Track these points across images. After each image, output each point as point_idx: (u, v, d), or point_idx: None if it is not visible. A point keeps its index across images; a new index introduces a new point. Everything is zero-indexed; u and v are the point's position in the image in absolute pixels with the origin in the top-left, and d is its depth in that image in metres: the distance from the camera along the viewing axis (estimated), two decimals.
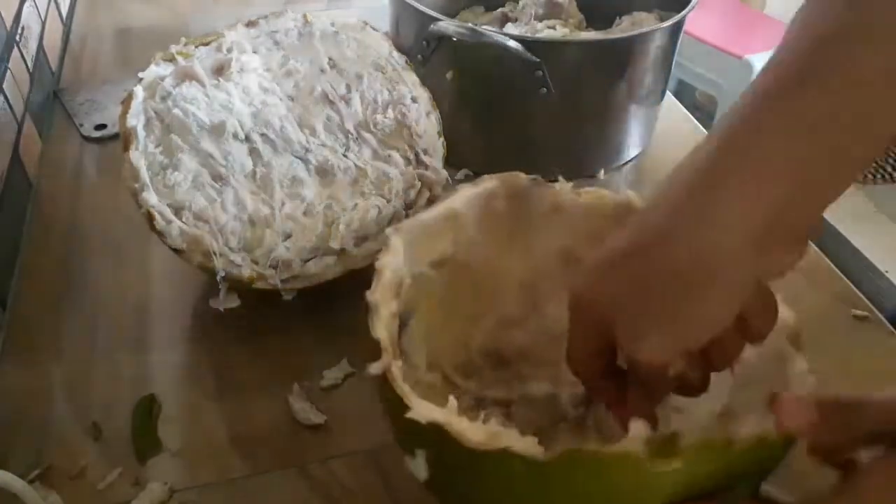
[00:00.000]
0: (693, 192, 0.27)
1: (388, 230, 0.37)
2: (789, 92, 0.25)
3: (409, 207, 0.48)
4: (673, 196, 0.28)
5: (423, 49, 0.56)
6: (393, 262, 0.36)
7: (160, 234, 0.43)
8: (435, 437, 0.28)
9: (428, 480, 0.30)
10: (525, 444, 0.26)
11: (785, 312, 0.33)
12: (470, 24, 0.53)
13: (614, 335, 0.29)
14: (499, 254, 0.41)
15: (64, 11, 0.78)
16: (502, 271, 0.41)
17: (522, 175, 0.40)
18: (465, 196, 0.39)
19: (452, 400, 0.29)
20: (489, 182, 0.40)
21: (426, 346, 0.38)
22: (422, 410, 0.28)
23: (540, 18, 0.66)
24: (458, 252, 0.40)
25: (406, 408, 0.28)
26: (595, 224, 0.39)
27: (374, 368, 0.30)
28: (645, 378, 0.30)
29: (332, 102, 0.50)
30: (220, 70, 0.48)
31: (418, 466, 0.30)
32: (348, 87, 0.51)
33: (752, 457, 0.28)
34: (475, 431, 0.27)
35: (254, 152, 0.47)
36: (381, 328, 0.32)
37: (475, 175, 0.61)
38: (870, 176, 1.85)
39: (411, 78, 0.53)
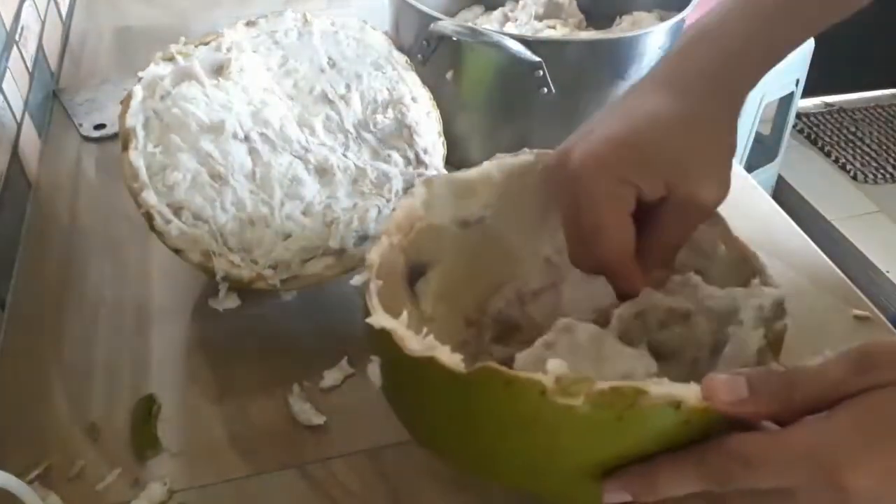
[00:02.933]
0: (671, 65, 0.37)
1: (417, 179, 0.40)
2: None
3: None
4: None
5: (423, 48, 0.56)
6: (409, 203, 0.38)
7: (159, 233, 0.42)
8: (386, 344, 0.31)
9: (382, 386, 0.34)
10: (450, 358, 0.29)
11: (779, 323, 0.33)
12: (470, 24, 0.53)
13: (653, 188, 0.34)
14: (530, 228, 0.42)
15: (63, 11, 0.77)
16: (531, 245, 0.42)
17: None
18: (502, 164, 0.41)
19: (404, 314, 0.32)
20: (527, 155, 0.41)
21: (441, 296, 0.40)
22: (378, 319, 0.31)
23: (540, 18, 0.66)
24: (489, 217, 0.41)
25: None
26: None
27: (355, 280, 0.34)
28: (695, 221, 0.36)
29: (331, 102, 0.50)
30: (219, 70, 0.48)
31: (374, 372, 0.33)
32: (348, 87, 0.51)
33: (688, 429, 0.28)
34: (414, 341, 0.30)
35: (253, 152, 0.47)
36: (375, 252, 0.35)
37: None
38: (870, 176, 1.85)
39: (411, 77, 0.53)
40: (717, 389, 0.27)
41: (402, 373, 0.32)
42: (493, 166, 0.41)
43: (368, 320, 0.32)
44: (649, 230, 0.36)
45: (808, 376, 0.27)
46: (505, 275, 0.43)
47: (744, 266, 0.37)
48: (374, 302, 0.32)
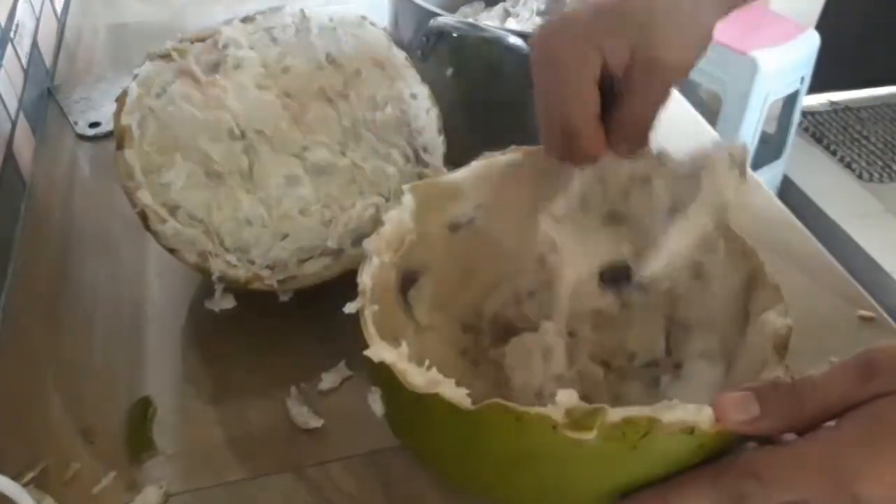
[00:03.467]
0: None
1: (405, 186, 0.38)
2: None
3: None
4: None
5: (422, 44, 0.55)
6: (397, 217, 0.37)
7: (155, 233, 0.42)
8: (386, 376, 0.30)
9: (385, 415, 0.33)
10: (454, 393, 0.28)
11: (778, 321, 0.33)
12: (470, 20, 0.53)
13: (617, 51, 0.34)
14: (521, 226, 0.41)
15: (58, 8, 0.77)
16: (523, 243, 0.42)
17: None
18: (489, 163, 0.40)
19: (404, 346, 0.30)
20: (515, 153, 0.41)
21: (436, 304, 0.39)
22: (376, 351, 0.30)
23: (541, 14, 0.65)
24: (479, 218, 0.41)
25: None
26: None
27: (349, 308, 0.33)
28: (659, 86, 0.35)
29: (329, 99, 0.49)
30: (215, 67, 0.48)
31: (375, 402, 0.33)
32: (346, 84, 0.50)
33: (701, 452, 0.28)
34: (416, 375, 0.29)
35: (250, 150, 0.46)
36: (366, 274, 0.34)
37: None
38: (876, 175, 1.84)
39: (410, 74, 0.52)
40: (729, 410, 0.27)
41: (405, 405, 0.31)
42: (481, 166, 0.40)
43: (366, 353, 0.30)
44: (617, 104, 0.36)
45: (816, 387, 0.27)
46: (498, 275, 0.42)
47: (743, 261, 0.37)
48: (370, 331, 0.31)
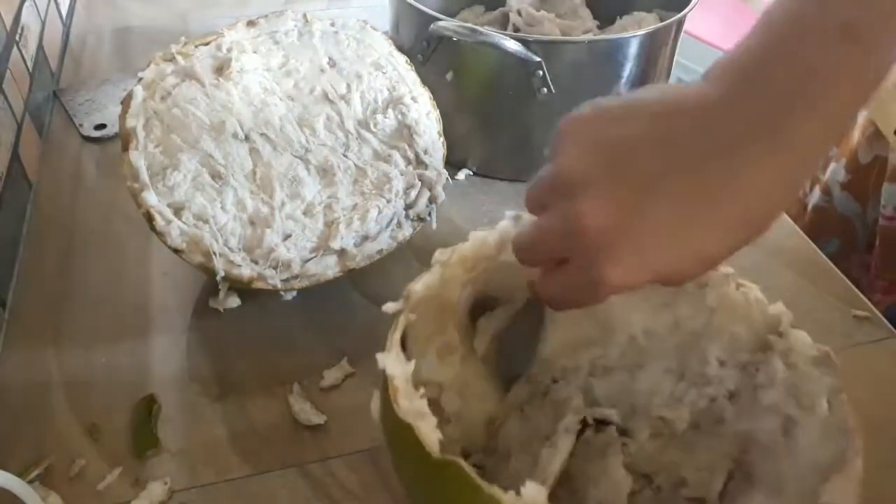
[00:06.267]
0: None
1: (508, 213, 0.35)
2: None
3: (410, 207, 0.48)
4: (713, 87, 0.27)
5: (423, 49, 0.56)
6: (482, 238, 0.35)
7: (160, 234, 0.42)
8: (385, 387, 0.30)
9: (380, 418, 0.32)
10: (428, 434, 0.27)
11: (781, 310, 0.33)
12: (470, 24, 0.53)
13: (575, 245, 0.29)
14: (628, 298, 0.37)
15: (64, 11, 0.77)
16: (622, 317, 0.38)
17: None
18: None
19: (411, 364, 0.30)
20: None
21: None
22: (384, 359, 0.30)
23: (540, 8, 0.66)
24: None
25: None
26: None
27: (388, 308, 0.32)
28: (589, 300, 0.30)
29: (332, 102, 0.50)
30: (219, 70, 0.48)
31: (374, 406, 0.32)
32: (348, 87, 0.51)
33: None
34: (406, 399, 0.28)
35: (254, 152, 0.47)
36: (420, 283, 0.33)
37: (475, 175, 0.61)
38: None
39: (411, 77, 0.53)
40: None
41: (389, 422, 0.31)
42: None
43: (378, 355, 0.30)
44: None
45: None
46: (578, 340, 0.38)
47: (840, 438, 0.32)
48: (394, 337, 0.31)
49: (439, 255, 0.34)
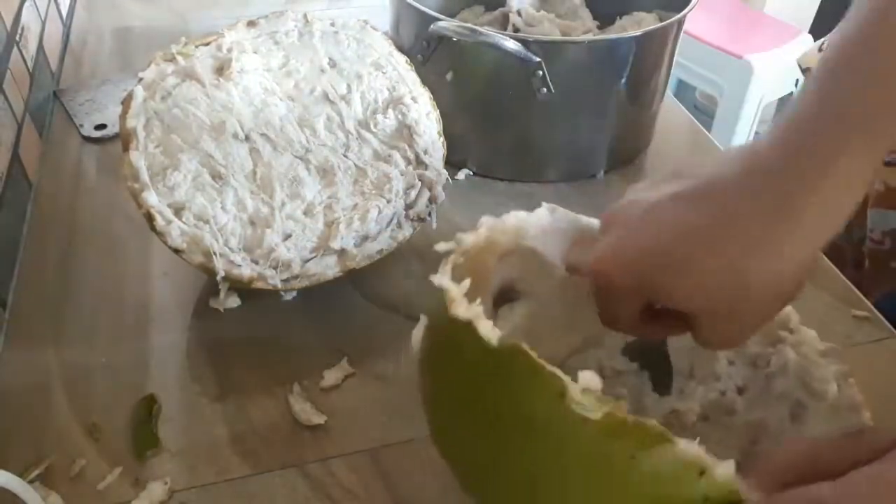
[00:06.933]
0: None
1: (545, 203, 0.36)
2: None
3: (410, 207, 0.48)
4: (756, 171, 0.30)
5: (423, 49, 0.56)
6: (523, 218, 0.36)
7: (160, 234, 0.42)
8: (437, 305, 0.30)
9: (420, 349, 0.32)
10: (486, 329, 0.28)
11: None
12: (470, 24, 0.53)
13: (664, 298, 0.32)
14: None
15: (64, 11, 0.78)
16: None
17: None
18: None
19: (466, 282, 0.30)
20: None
21: (518, 336, 0.37)
22: (440, 278, 0.30)
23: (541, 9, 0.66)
24: None
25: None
26: None
27: (440, 246, 0.33)
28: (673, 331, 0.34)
29: (332, 102, 0.50)
30: (220, 70, 0.48)
31: (416, 336, 0.32)
32: (348, 87, 0.51)
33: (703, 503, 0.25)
34: (462, 307, 0.29)
35: (254, 152, 0.47)
36: (471, 236, 0.34)
37: (475, 175, 0.61)
38: None
39: (411, 77, 0.53)
40: (759, 486, 0.26)
41: (441, 337, 0.31)
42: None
43: (432, 277, 0.31)
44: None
45: (826, 454, 0.27)
46: (593, 341, 0.39)
47: (848, 415, 0.33)
48: (446, 267, 0.31)
49: (485, 219, 0.35)
